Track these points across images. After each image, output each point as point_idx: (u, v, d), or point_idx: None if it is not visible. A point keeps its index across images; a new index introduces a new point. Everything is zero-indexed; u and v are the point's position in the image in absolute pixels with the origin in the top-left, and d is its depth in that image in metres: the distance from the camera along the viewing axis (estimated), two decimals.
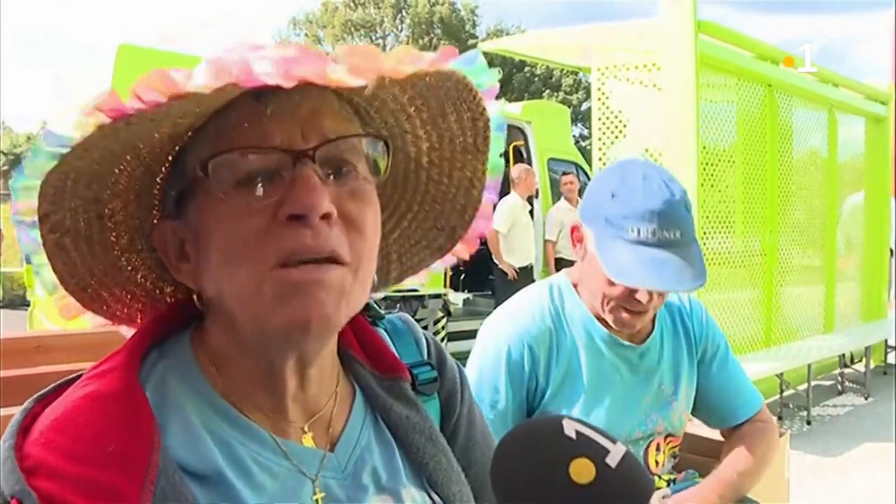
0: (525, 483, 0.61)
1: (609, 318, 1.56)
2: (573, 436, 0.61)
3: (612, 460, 0.59)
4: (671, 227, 1.43)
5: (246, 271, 0.63)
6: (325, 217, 0.63)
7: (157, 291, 0.77)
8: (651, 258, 1.41)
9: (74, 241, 0.67)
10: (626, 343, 1.62)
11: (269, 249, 0.62)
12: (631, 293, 1.48)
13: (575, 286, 1.65)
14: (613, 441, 0.61)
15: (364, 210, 0.68)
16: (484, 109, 0.76)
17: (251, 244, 0.62)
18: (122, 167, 0.64)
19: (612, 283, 1.49)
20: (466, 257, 0.88)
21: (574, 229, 1.59)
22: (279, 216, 0.62)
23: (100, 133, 0.57)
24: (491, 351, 1.57)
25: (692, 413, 1.76)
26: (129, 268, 0.73)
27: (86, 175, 0.62)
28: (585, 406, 1.56)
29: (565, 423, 0.62)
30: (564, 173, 7.74)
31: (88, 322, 0.74)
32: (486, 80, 0.73)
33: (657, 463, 1.67)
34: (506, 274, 6.76)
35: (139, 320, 0.77)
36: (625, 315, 1.53)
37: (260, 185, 0.64)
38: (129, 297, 0.75)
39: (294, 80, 0.56)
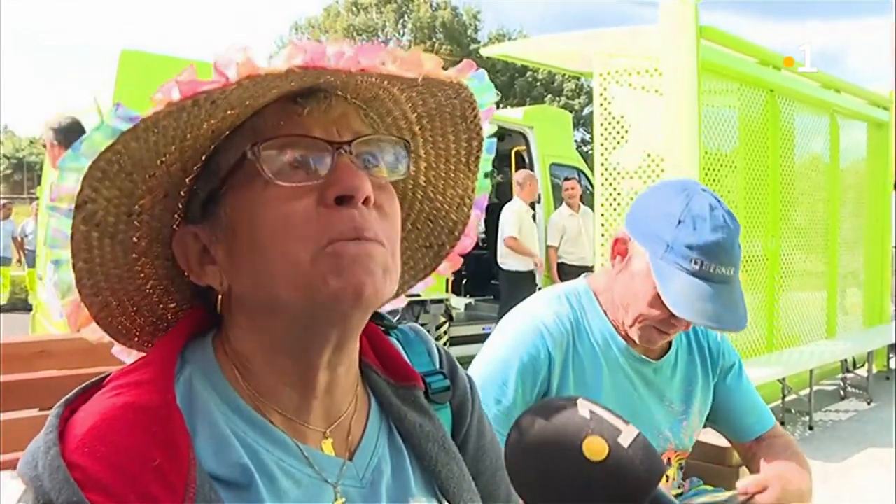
0: (539, 459, 0.63)
1: (635, 335, 1.54)
2: (587, 415, 0.62)
3: (625, 440, 0.61)
4: (728, 265, 1.43)
5: (299, 251, 0.65)
6: (366, 202, 0.67)
7: (161, 307, 0.78)
8: (707, 294, 1.41)
9: (101, 236, 0.68)
10: (643, 357, 1.61)
11: (320, 230, 0.66)
12: (671, 317, 1.46)
13: (595, 295, 1.63)
14: (626, 422, 0.62)
15: (392, 201, 0.72)
16: (480, 129, 0.80)
17: (302, 225, 0.66)
18: (164, 158, 0.66)
19: (652, 306, 1.47)
20: (449, 275, 0.92)
21: (618, 241, 1.56)
22: (325, 200, 0.66)
23: (166, 110, 0.60)
24: (506, 347, 1.56)
25: (707, 425, 1.75)
26: (142, 275, 0.74)
27: (133, 161, 0.64)
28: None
29: (580, 402, 0.64)
30: (567, 179, 7.75)
31: (90, 336, 0.75)
32: (487, 100, 0.78)
33: (667, 478, 1.66)
34: (508, 278, 6.78)
35: (136, 339, 0.77)
36: (655, 335, 1.52)
37: (303, 171, 0.67)
38: (133, 309, 0.75)
39: (358, 66, 0.62)
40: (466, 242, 0.89)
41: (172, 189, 0.70)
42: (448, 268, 0.90)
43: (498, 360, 1.54)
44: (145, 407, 0.64)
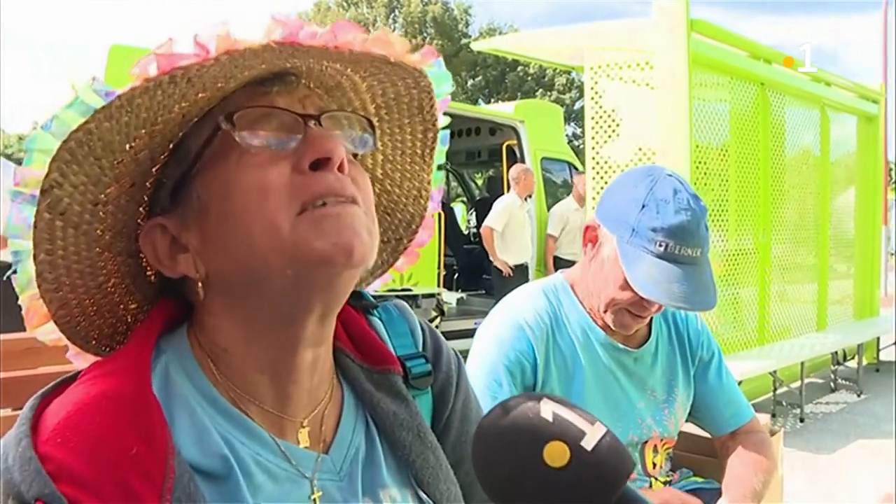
0: (501, 466, 0.61)
1: (610, 320, 1.56)
2: (550, 418, 0.60)
3: (588, 443, 0.59)
4: (694, 246, 1.45)
5: (278, 216, 0.64)
6: (341, 168, 0.67)
7: (122, 306, 0.75)
8: (674, 274, 1.43)
9: (65, 225, 0.65)
10: (623, 347, 1.62)
11: (297, 194, 0.65)
12: (642, 299, 1.48)
13: (572, 287, 1.65)
14: (592, 422, 0.60)
15: (364, 177, 0.72)
16: (436, 121, 0.80)
17: (279, 190, 0.65)
18: (133, 143, 0.65)
19: (623, 289, 1.49)
20: (405, 270, 0.91)
21: (588, 229, 1.59)
22: (300, 166, 0.66)
23: (143, 86, 0.59)
24: (491, 349, 1.57)
25: (687, 419, 1.76)
26: (104, 270, 0.72)
27: (102, 143, 0.62)
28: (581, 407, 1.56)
29: (543, 404, 0.61)
30: (579, 172, 7.75)
31: (45, 337, 0.72)
32: (444, 90, 0.78)
33: (654, 465, 1.67)
34: (500, 271, 6.78)
35: (94, 342, 0.75)
36: (628, 318, 1.54)
37: (276, 140, 0.67)
38: (93, 309, 0.73)
39: (335, 41, 0.63)
40: (423, 236, 0.88)
41: (139, 178, 0.69)
42: (405, 263, 0.89)
43: (487, 364, 1.56)
44: (120, 395, 0.62)
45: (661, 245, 1.44)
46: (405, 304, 0.91)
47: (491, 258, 6.82)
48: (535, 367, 1.55)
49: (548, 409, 0.61)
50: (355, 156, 0.73)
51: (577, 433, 0.59)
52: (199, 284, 0.70)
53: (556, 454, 0.59)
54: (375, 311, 0.87)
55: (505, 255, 6.80)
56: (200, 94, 0.64)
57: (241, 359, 0.70)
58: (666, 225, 1.44)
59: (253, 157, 0.66)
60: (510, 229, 6.79)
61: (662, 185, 1.48)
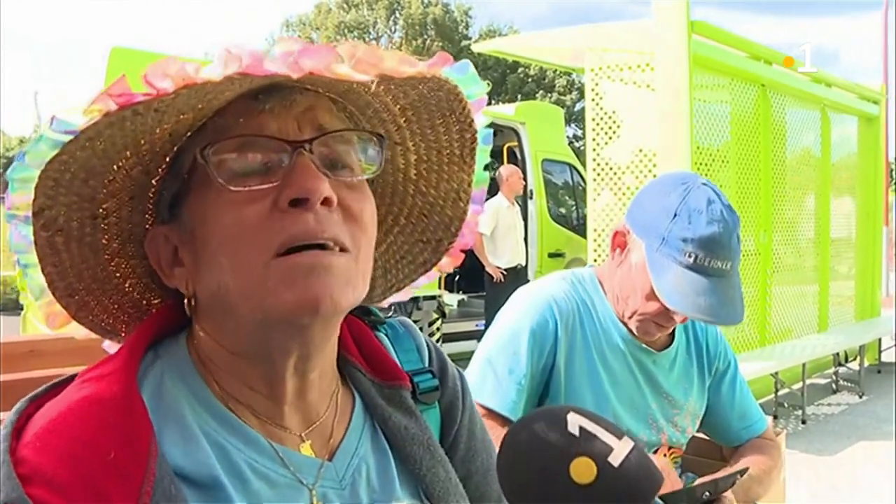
0: (527, 481, 0.59)
1: (634, 327, 1.55)
2: (576, 432, 0.59)
3: (616, 458, 0.58)
4: (724, 258, 1.42)
5: (250, 258, 0.62)
6: (326, 203, 0.63)
7: (144, 302, 0.76)
8: (702, 286, 1.40)
9: (66, 241, 0.65)
10: (645, 346, 1.61)
11: (272, 236, 0.62)
12: (667, 311, 1.46)
13: (600, 282, 1.64)
14: (619, 436, 0.59)
15: (362, 202, 0.68)
16: (472, 121, 0.76)
17: (254, 230, 0.62)
18: (120, 164, 0.63)
19: (649, 299, 1.47)
20: (451, 270, 0.89)
21: (618, 234, 1.56)
22: (280, 203, 0.62)
23: (106, 121, 0.57)
24: (516, 317, 1.56)
25: (698, 429, 1.75)
26: (118, 274, 0.72)
27: (85, 169, 0.61)
28: (597, 398, 1.55)
29: (570, 417, 0.60)
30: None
31: (77, 333, 0.73)
32: (476, 91, 0.73)
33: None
34: (492, 277, 6.63)
35: (123, 334, 0.76)
36: (653, 328, 1.53)
37: (258, 173, 0.64)
38: (115, 307, 0.73)
39: (301, 71, 0.57)
40: (467, 238, 0.85)
41: (138, 191, 0.68)
42: (449, 263, 0.87)
43: (508, 330, 1.55)
44: (104, 399, 0.62)
45: (690, 256, 1.40)
46: (410, 321, 0.91)
47: (483, 263, 6.64)
48: (557, 345, 1.53)
49: (574, 423, 0.60)
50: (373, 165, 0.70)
51: (604, 448, 0.58)
52: (187, 301, 0.70)
53: (582, 470, 0.58)
54: (382, 328, 0.87)
55: (496, 259, 6.64)
56: (182, 116, 0.62)
57: (231, 375, 0.69)
58: (697, 236, 1.40)
59: (231, 194, 0.63)
60: (499, 232, 6.64)
61: (696, 195, 1.44)
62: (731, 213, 1.44)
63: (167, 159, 0.67)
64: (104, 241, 0.68)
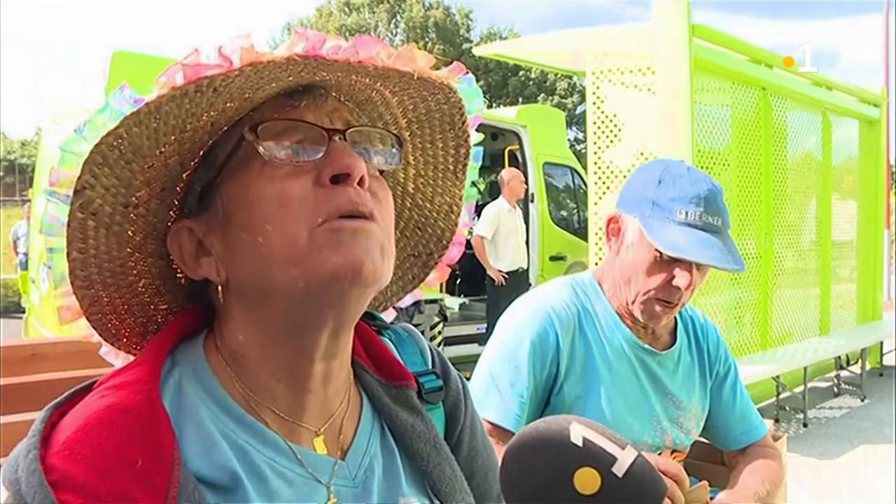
0: (531, 492, 0.60)
1: (638, 311, 1.56)
2: (579, 443, 0.59)
3: (619, 469, 0.58)
4: (714, 214, 1.50)
5: (296, 228, 0.66)
6: (361, 183, 0.68)
7: (152, 307, 0.77)
8: (699, 238, 1.47)
9: (97, 226, 0.68)
10: (648, 347, 1.63)
11: (317, 208, 0.66)
12: (669, 280, 1.50)
13: (599, 285, 1.66)
14: (623, 446, 0.59)
15: (386, 192, 0.73)
16: (468, 137, 0.81)
17: (298, 203, 0.66)
18: (163, 149, 0.66)
19: (651, 273, 1.51)
20: (436, 287, 0.92)
21: (610, 221, 1.61)
22: (321, 179, 0.67)
23: (169, 94, 0.61)
24: (515, 330, 1.58)
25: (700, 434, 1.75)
26: (135, 272, 0.74)
27: (133, 148, 0.64)
28: (600, 402, 1.56)
29: (573, 428, 0.60)
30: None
31: (80, 333, 0.74)
32: (475, 108, 0.79)
33: None
34: (494, 281, 6.63)
35: (125, 339, 0.77)
36: (657, 307, 1.54)
37: (300, 154, 0.69)
38: (124, 307, 0.75)
39: (356, 58, 0.64)
40: (454, 252, 0.89)
41: (169, 183, 0.70)
42: (436, 278, 0.90)
43: (509, 343, 1.56)
44: (129, 408, 0.63)
45: (682, 213, 1.48)
46: (413, 327, 0.93)
47: (485, 267, 6.65)
48: (559, 354, 1.55)
49: (577, 434, 0.60)
50: (382, 172, 0.74)
51: (608, 458, 0.58)
52: (220, 288, 0.72)
53: (586, 481, 0.58)
54: (386, 332, 0.89)
55: (498, 262, 6.63)
56: (228, 104, 0.66)
57: (257, 365, 0.71)
58: (684, 194, 1.49)
59: (275, 169, 0.67)
60: (500, 235, 6.64)
61: (675, 165, 1.55)
62: (711, 179, 1.54)
63: (201, 153, 0.70)
64: (130, 232, 0.71)
